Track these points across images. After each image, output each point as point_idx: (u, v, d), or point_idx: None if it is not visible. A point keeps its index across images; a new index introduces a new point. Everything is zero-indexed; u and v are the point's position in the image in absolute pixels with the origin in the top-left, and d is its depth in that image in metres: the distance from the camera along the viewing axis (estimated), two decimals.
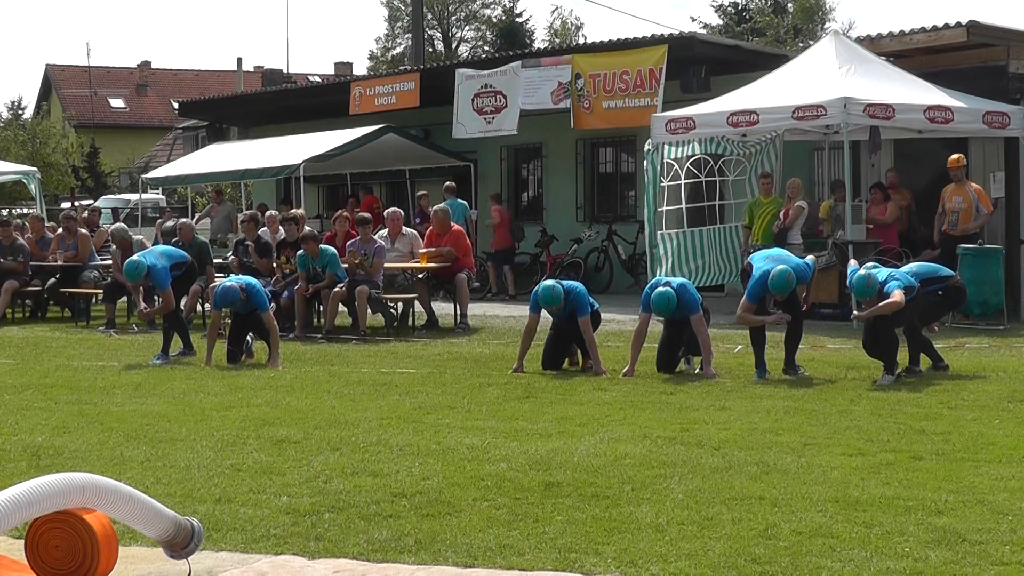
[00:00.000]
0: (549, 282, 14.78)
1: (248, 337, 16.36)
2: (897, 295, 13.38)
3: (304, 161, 26.85)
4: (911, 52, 21.54)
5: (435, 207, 22.07)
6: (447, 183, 25.95)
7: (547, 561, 6.77)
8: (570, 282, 15.29)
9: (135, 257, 16.65)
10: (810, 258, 15.46)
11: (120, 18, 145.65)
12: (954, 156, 19.73)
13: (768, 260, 14.32)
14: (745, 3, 61.35)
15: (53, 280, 23.08)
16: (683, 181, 21.85)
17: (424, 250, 20.58)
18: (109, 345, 18.50)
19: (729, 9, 61.40)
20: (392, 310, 20.39)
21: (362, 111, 30.25)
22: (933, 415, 11.32)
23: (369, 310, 19.16)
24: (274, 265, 20.31)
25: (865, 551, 6.80)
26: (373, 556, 6.97)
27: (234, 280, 16.33)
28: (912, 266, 14.79)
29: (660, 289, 14.31)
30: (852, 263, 15.15)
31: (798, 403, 12.09)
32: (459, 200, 26.11)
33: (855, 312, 14.51)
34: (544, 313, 15.00)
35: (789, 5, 60.20)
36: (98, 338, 19.52)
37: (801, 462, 9.19)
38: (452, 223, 21.23)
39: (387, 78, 31.57)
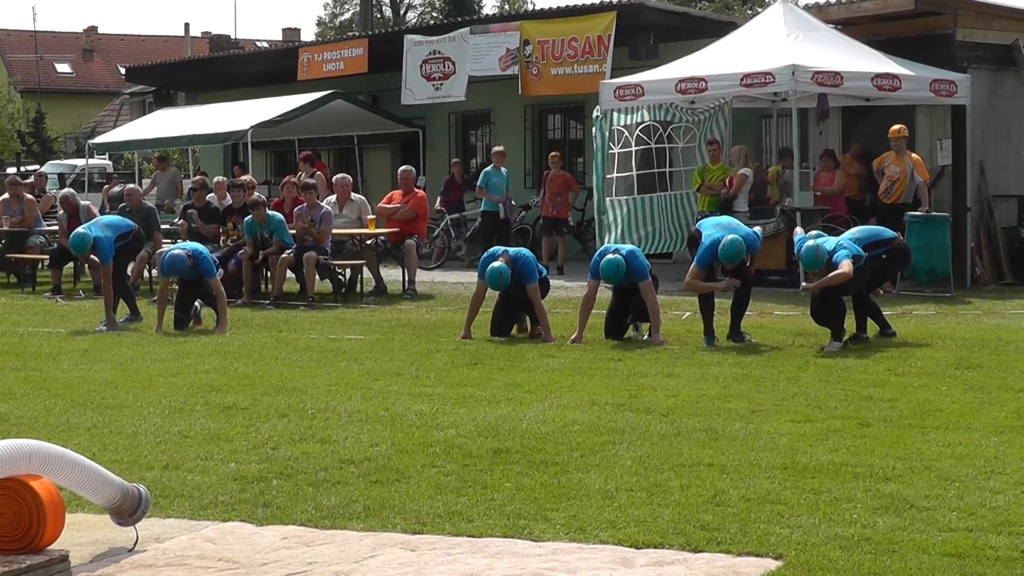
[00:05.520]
0: (497, 264, 14.61)
1: (196, 303, 16.26)
2: (845, 265, 13.40)
3: (252, 127, 26.69)
4: (859, 20, 21.55)
5: (403, 167, 21.91)
6: (497, 148, 24.94)
7: (496, 527, 6.78)
8: (517, 249, 15.26)
9: (81, 230, 16.47)
10: (758, 228, 15.48)
11: None
12: (895, 127, 19.76)
13: (718, 228, 14.31)
14: None
15: None
16: (633, 148, 21.83)
17: (384, 205, 20.72)
18: (55, 311, 18.35)
19: None
20: (340, 276, 20.32)
21: (310, 77, 30.12)
22: (880, 382, 11.38)
23: (317, 276, 19.09)
24: (221, 231, 20.20)
25: (813, 517, 6.83)
26: (321, 523, 6.97)
27: (181, 247, 16.26)
28: (855, 231, 14.82)
29: (609, 256, 14.30)
30: (798, 231, 15.19)
31: (746, 370, 12.13)
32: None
33: (803, 283, 14.56)
34: None
35: None
36: (44, 304, 19.36)
37: (749, 429, 9.22)
38: (417, 188, 21.20)
39: (335, 44, 31.43)
